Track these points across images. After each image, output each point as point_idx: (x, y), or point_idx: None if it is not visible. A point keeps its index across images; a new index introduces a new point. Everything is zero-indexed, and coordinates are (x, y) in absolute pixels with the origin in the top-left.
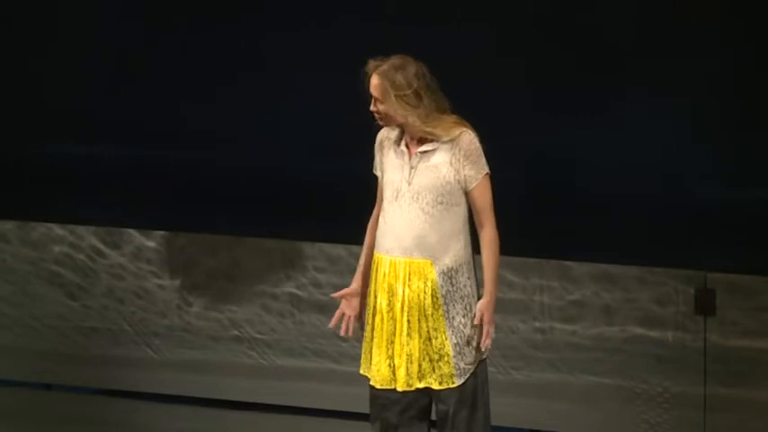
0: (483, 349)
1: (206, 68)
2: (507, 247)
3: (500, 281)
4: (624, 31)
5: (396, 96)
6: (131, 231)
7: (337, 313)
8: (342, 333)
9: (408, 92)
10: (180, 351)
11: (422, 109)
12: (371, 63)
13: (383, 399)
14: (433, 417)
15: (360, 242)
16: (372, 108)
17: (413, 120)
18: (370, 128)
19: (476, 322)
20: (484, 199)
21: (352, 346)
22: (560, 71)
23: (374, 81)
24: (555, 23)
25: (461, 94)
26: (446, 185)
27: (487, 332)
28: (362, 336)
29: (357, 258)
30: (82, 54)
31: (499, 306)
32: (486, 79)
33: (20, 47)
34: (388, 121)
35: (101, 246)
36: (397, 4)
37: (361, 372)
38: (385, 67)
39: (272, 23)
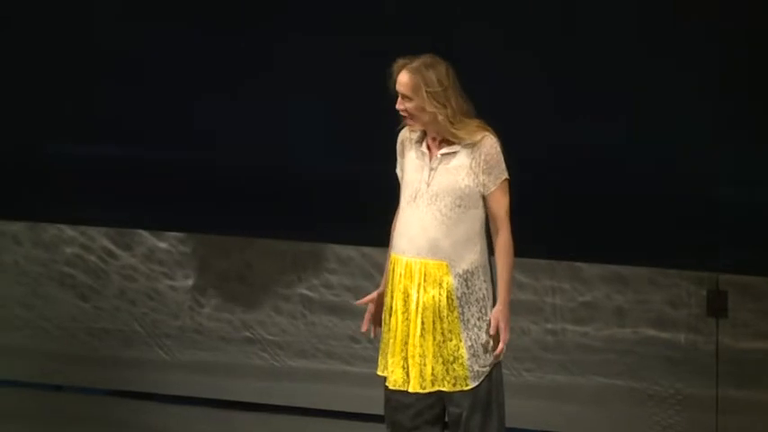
0: (497, 354)
1: (215, 68)
2: (518, 248)
3: (517, 282)
4: (633, 30)
5: (427, 93)
6: (143, 232)
7: (366, 317)
8: (372, 335)
9: (439, 89)
10: (191, 352)
11: (450, 109)
12: (399, 62)
13: (396, 402)
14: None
15: (371, 243)
16: (399, 106)
17: (441, 118)
18: (383, 129)
19: (491, 331)
20: (501, 204)
21: (363, 348)
22: (571, 72)
23: (404, 78)
24: (562, 22)
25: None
26: (465, 189)
27: (503, 338)
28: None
29: (369, 260)
30: (92, 55)
31: (511, 307)
32: (496, 80)
33: (29, 47)
34: (415, 120)
35: (112, 247)
36: (399, 6)
37: (378, 372)
38: (416, 64)
39: (282, 26)
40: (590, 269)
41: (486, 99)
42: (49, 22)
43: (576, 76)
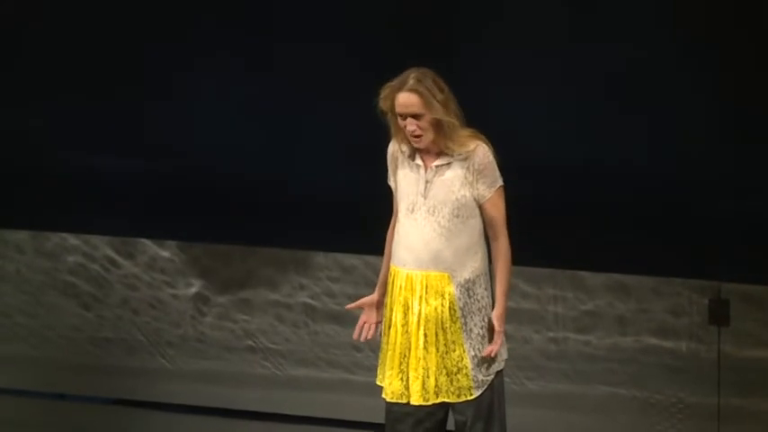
0: (487, 356)
1: (219, 78)
2: (521, 257)
3: (514, 290)
4: (629, 37)
5: (438, 102)
6: (145, 241)
7: (358, 324)
8: (362, 339)
9: (443, 96)
10: (194, 361)
11: (452, 116)
12: (387, 89)
13: (397, 411)
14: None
15: (373, 252)
16: (411, 128)
17: (450, 125)
18: (385, 137)
19: (496, 327)
20: (497, 212)
21: (366, 357)
22: (572, 78)
23: (410, 99)
24: (559, 29)
25: (468, 105)
26: (461, 199)
27: (497, 342)
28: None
29: (371, 268)
30: (93, 64)
31: (513, 316)
32: (495, 88)
33: (35, 58)
34: (429, 136)
35: (115, 256)
36: (397, 17)
37: (378, 382)
38: (412, 82)
39: (281, 37)
40: (592, 278)
41: (486, 105)
42: (65, 33)
43: (577, 82)
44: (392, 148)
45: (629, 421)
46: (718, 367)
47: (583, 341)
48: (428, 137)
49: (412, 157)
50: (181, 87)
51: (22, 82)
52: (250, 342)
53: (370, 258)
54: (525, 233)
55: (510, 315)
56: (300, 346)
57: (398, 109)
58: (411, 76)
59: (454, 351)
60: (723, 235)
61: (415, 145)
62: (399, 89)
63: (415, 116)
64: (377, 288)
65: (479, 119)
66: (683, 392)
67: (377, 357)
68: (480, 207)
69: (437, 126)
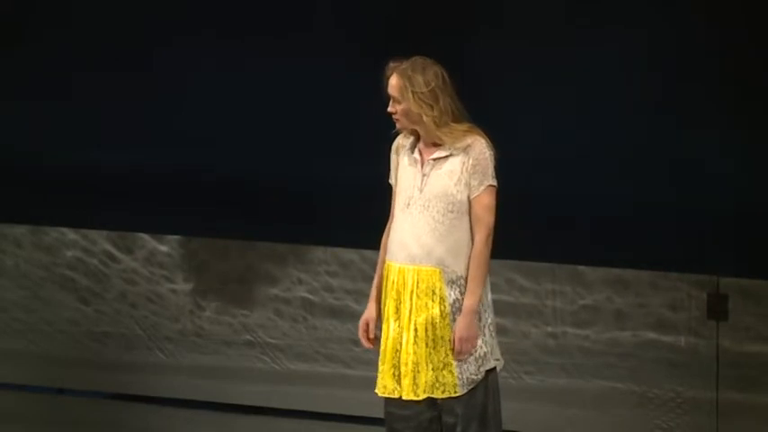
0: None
1: (217, 74)
2: (519, 251)
3: (512, 285)
4: (636, 32)
5: (413, 93)
6: (144, 236)
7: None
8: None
9: (425, 90)
10: (192, 356)
11: (437, 111)
12: (391, 64)
13: (396, 414)
14: None
15: (371, 246)
16: (390, 109)
17: (427, 120)
18: (384, 132)
19: (456, 347)
20: (481, 210)
21: (364, 351)
22: (574, 73)
23: (393, 81)
24: (561, 29)
25: (468, 102)
26: (456, 194)
27: (459, 350)
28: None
29: (369, 263)
30: (95, 60)
31: (512, 310)
32: (492, 85)
33: (36, 55)
34: (405, 123)
35: (113, 250)
36: (398, 13)
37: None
38: (404, 66)
39: (284, 31)
40: (591, 272)
41: (489, 100)
42: (65, 26)
43: (578, 77)
44: (396, 143)
45: (627, 416)
46: (717, 362)
47: (581, 336)
48: (404, 122)
49: (411, 149)
50: (179, 83)
51: (20, 77)
52: (248, 337)
53: (368, 253)
54: (523, 228)
55: (508, 309)
56: (299, 341)
57: (388, 89)
58: (407, 61)
59: (442, 347)
60: (722, 229)
61: (397, 126)
62: (393, 70)
63: (395, 99)
64: (371, 304)
65: (477, 115)
66: (681, 387)
67: (375, 352)
68: (469, 202)
69: (410, 116)
